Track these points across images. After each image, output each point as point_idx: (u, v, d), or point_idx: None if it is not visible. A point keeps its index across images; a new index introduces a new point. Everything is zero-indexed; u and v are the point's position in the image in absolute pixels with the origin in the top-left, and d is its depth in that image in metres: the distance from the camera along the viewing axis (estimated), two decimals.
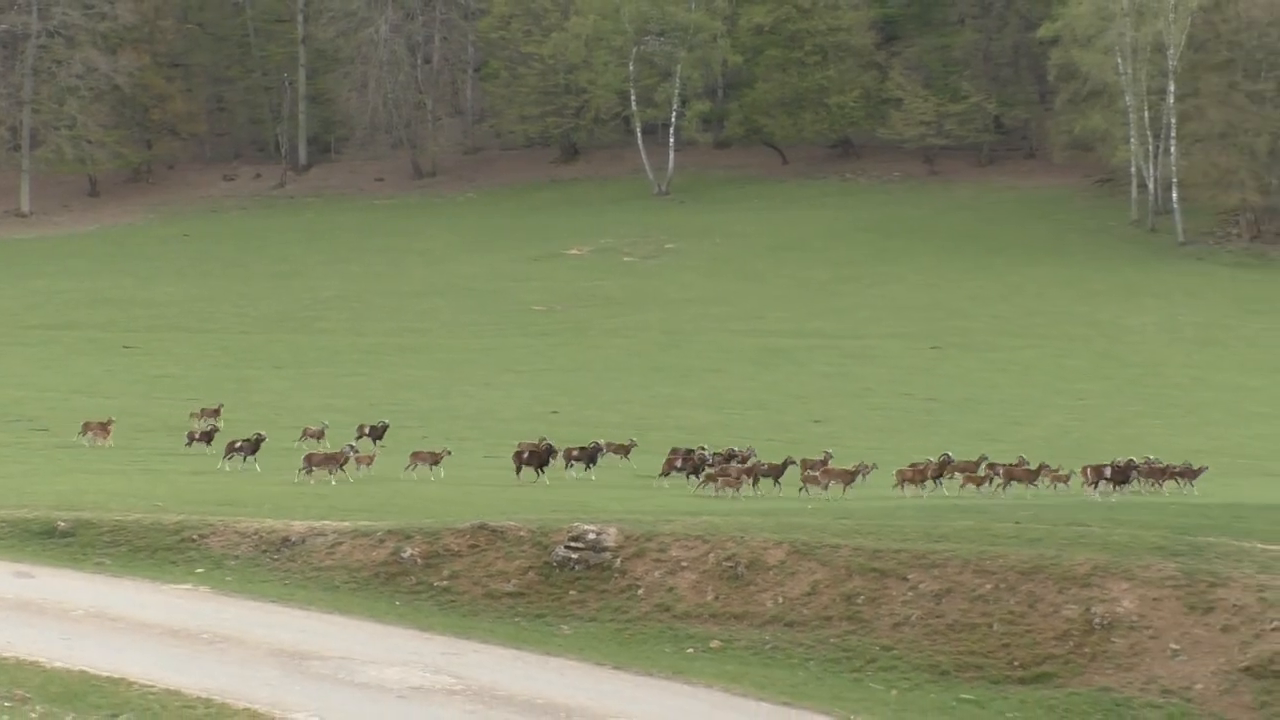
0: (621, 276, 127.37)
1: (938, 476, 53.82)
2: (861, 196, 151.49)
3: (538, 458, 55.64)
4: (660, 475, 56.48)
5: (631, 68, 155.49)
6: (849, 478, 51.99)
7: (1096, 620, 29.49)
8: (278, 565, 37.72)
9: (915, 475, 53.61)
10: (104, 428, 65.44)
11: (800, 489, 51.63)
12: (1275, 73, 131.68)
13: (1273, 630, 27.68)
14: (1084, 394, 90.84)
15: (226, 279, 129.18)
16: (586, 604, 34.33)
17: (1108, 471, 53.57)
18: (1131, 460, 54.62)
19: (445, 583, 35.89)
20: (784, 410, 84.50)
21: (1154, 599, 29.50)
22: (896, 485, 53.39)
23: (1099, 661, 28.73)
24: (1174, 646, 28.42)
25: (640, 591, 34.16)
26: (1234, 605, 28.70)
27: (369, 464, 56.47)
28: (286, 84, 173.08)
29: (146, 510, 42.03)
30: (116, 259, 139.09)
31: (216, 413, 68.81)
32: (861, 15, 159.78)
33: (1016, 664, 29.37)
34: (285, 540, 38.49)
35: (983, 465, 56.07)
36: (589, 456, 57.29)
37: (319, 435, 64.08)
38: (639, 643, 32.40)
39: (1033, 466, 54.87)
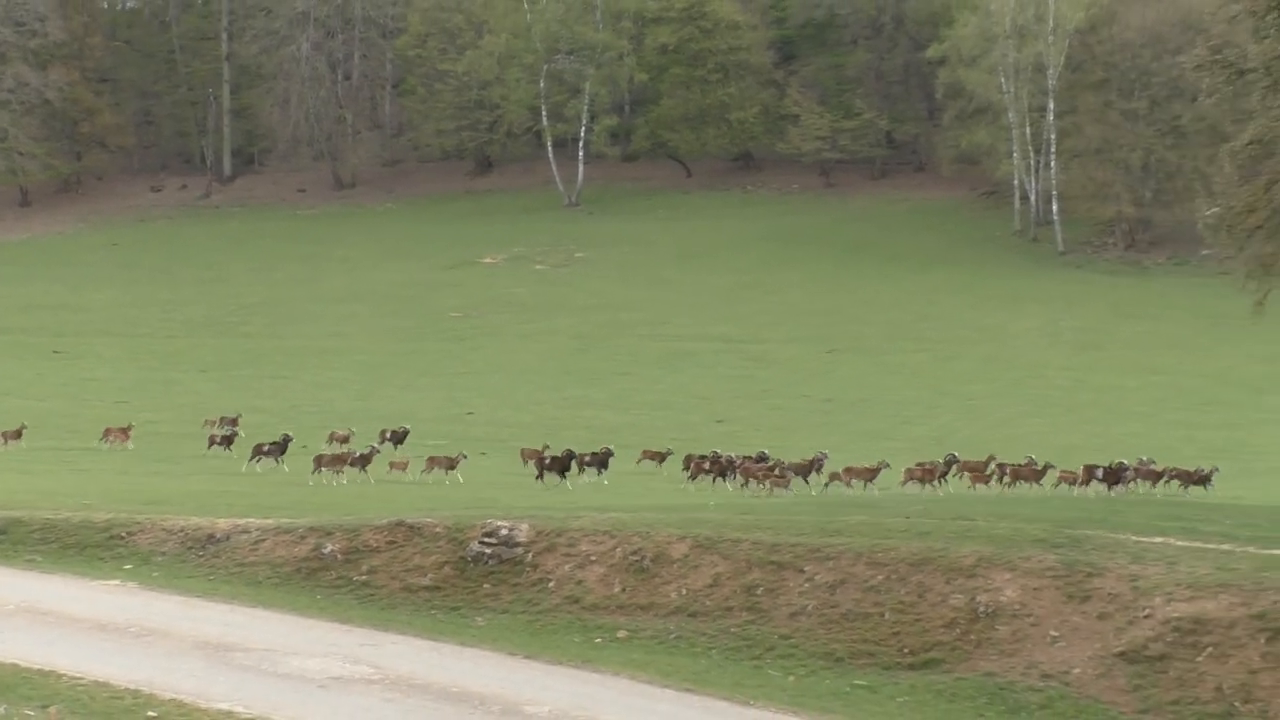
0: (533, 283, 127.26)
1: (944, 475, 53.83)
2: (762, 207, 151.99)
3: (559, 464, 55.59)
4: (689, 479, 56.25)
5: (542, 84, 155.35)
6: (871, 475, 52.42)
7: (981, 609, 29.67)
8: (203, 561, 37.44)
9: (923, 474, 53.69)
10: (124, 432, 65.61)
11: (825, 484, 52.36)
12: (1148, 92, 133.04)
13: (1145, 617, 27.92)
14: (971, 395, 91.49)
15: (153, 285, 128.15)
16: (500, 597, 34.26)
17: (1099, 472, 53.40)
18: (1123, 462, 54.41)
19: (364, 577, 35.74)
20: (688, 410, 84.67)
21: (1035, 588, 29.68)
22: (903, 482, 53.27)
23: (984, 648, 28.90)
24: (1053, 633, 28.62)
25: (551, 584, 34.12)
26: (1109, 594, 28.91)
27: (404, 469, 56.32)
28: (211, 99, 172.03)
29: (76, 509, 41.60)
30: (47, 266, 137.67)
31: (235, 421, 67.92)
32: (760, 36, 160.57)
33: (907, 651, 29.50)
34: (210, 537, 38.21)
35: (991, 464, 55.90)
36: (600, 462, 57.09)
37: (345, 439, 63.60)
38: (549, 633, 32.37)
39: (1039, 466, 54.82)
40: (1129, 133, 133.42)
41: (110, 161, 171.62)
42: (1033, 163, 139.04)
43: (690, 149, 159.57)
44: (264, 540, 37.64)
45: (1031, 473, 54.25)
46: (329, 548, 36.64)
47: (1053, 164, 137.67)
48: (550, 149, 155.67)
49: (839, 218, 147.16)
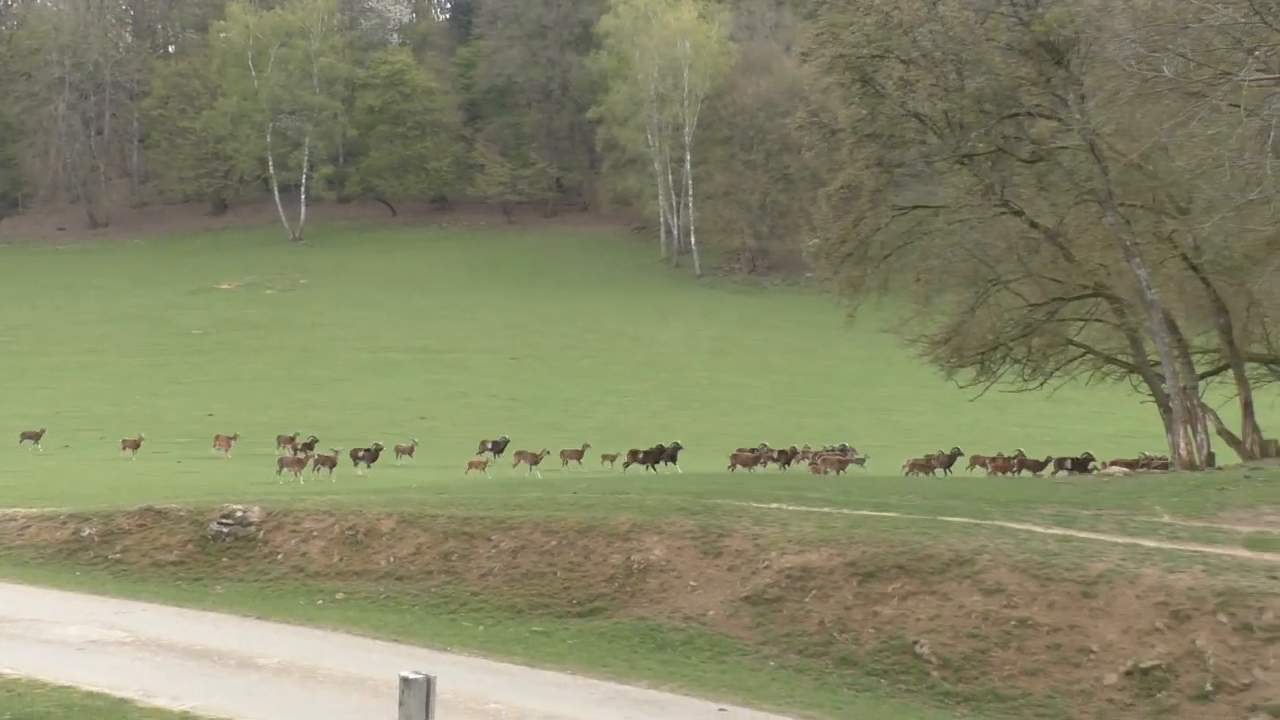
0: (264, 306, 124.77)
1: (948, 465, 53.21)
2: (455, 241, 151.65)
3: (651, 456, 55.53)
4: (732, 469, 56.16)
5: (269, 139, 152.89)
6: (841, 465, 52.20)
7: (635, 566, 29.98)
8: None
9: (925, 464, 53.00)
10: (228, 441, 63.73)
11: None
12: (763, 146, 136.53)
13: (764, 568, 28.52)
14: (628, 392, 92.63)
15: None
16: (236, 568, 33.51)
17: (1068, 463, 53.44)
18: (1089, 454, 54.48)
19: (118, 555, 34.60)
20: (397, 410, 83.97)
21: (678, 548, 30.09)
22: (908, 472, 51.80)
23: (637, 597, 29.19)
24: (693, 584, 29.05)
25: (279, 557, 33.49)
26: (736, 550, 29.46)
27: (483, 469, 54.07)
28: None
29: None
30: None
31: (294, 440, 64.85)
32: (451, 99, 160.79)
33: (575, 602, 29.64)
34: None
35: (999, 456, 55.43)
36: (670, 455, 56.44)
37: (410, 451, 61.00)
38: (279, 597, 31.76)
39: (1041, 459, 54.22)
40: (749, 179, 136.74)
41: None
42: (674, 203, 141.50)
43: (395, 193, 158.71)
44: (29, 526, 36.17)
45: (1033, 464, 53.68)
46: (87, 531, 35.38)
47: (690, 204, 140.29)
48: (276, 193, 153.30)
49: (519, 249, 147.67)
